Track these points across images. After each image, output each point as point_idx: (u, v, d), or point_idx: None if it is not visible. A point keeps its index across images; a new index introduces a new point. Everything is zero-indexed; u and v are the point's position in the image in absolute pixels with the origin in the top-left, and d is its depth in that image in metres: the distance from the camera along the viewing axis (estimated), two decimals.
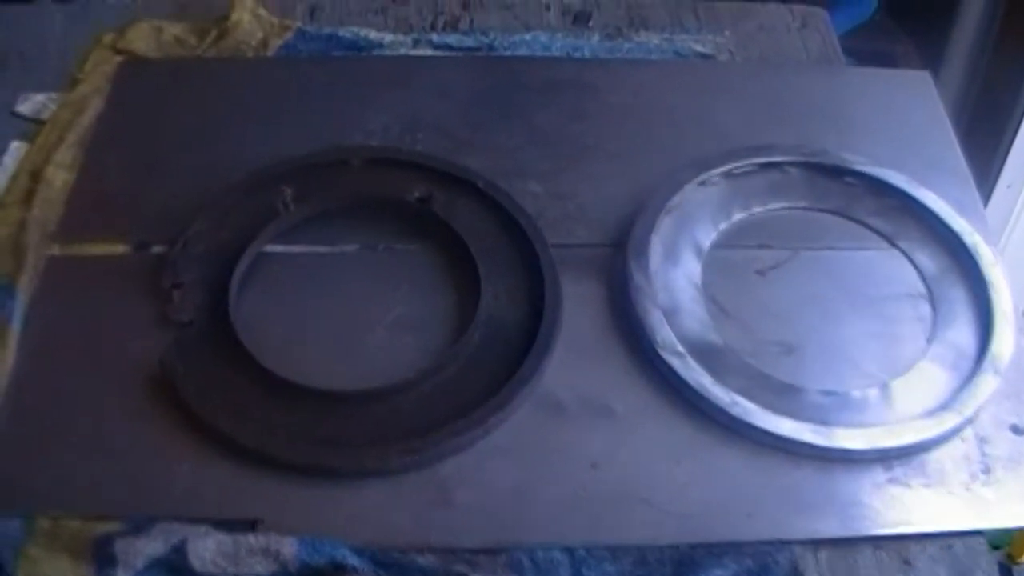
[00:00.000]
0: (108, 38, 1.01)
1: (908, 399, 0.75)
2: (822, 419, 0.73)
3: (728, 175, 0.87)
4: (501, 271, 0.81)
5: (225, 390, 0.75)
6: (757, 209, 0.86)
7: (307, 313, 0.80)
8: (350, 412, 0.74)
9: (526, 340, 0.77)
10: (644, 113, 0.94)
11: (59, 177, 0.89)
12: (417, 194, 0.86)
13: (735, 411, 0.72)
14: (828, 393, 0.75)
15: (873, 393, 0.75)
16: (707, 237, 0.84)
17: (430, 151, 0.89)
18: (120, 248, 0.84)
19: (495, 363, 0.76)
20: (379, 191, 0.86)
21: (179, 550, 0.67)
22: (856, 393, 0.75)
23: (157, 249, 0.84)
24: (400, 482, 0.71)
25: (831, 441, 0.71)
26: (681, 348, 0.75)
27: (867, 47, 1.73)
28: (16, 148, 0.92)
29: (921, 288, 0.82)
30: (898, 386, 0.76)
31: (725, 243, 0.84)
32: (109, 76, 0.97)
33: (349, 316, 0.80)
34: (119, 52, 1.00)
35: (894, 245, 0.85)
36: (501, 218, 0.84)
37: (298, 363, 0.76)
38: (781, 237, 0.85)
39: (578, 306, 0.80)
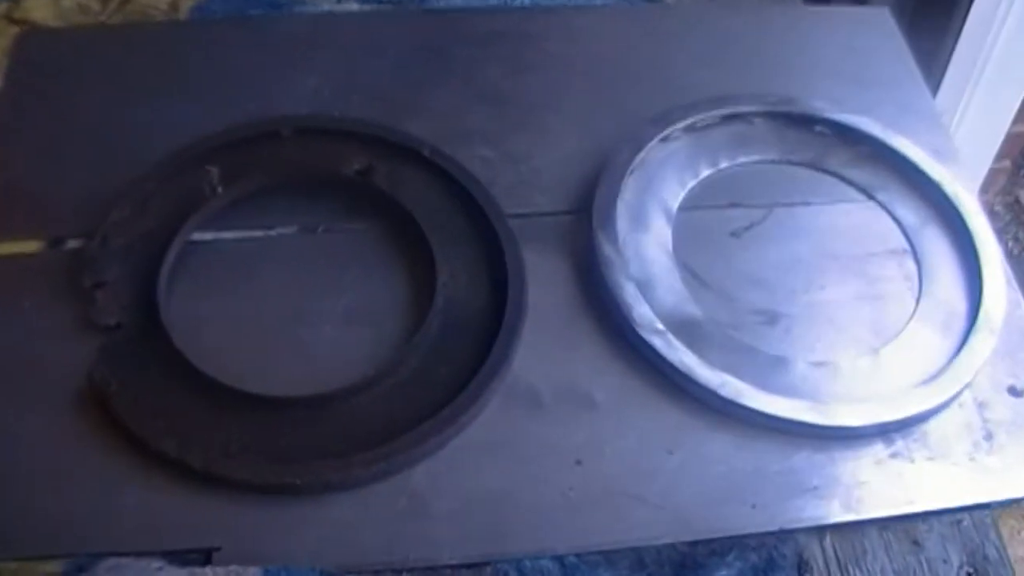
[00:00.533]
0: (3, 7, 0.92)
1: (901, 366, 0.71)
2: (814, 393, 0.68)
3: (690, 129, 0.81)
4: (456, 248, 0.75)
5: (164, 403, 0.68)
6: (725, 164, 0.80)
7: (247, 308, 0.73)
8: (306, 419, 0.67)
9: (491, 324, 0.71)
10: (592, 64, 0.88)
11: None
12: (357, 166, 0.79)
13: (725, 392, 0.67)
14: (818, 364, 0.70)
15: (864, 362, 0.71)
16: (675, 198, 0.78)
17: (367, 116, 0.81)
18: (32, 246, 0.76)
19: (459, 353, 0.70)
20: (314, 165, 0.79)
21: None
22: (846, 363, 0.70)
23: (73, 244, 0.76)
24: (368, 494, 0.65)
25: (829, 419, 0.67)
26: (660, 325, 0.69)
27: None
28: None
29: (903, 243, 0.77)
30: (889, 353, 0.71)
31: (694, 204, 0.78)
32: (6, 50, 0.87)
33: (293, 309, 0.73)
34: (15, 22, 0.90)
35: (871, 197, 0.80)
36: (451, 189, 0.77)
37: (242, 366, 0.69)
38: (753, 194, 0.79)
39: (544, 282, 0.74)
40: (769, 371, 0.69)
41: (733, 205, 0.79)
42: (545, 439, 0.67)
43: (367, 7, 0.92)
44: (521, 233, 0.75)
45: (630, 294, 0.71)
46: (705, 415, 0.68)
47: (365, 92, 0.84)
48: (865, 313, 0.73)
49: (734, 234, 0.77)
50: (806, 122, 0.82)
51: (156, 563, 0.61)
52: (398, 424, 0.66)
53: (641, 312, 0.70)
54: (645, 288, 0.72)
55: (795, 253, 0.76)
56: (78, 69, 0.86)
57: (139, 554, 0.61)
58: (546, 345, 0.71)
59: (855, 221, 0.79)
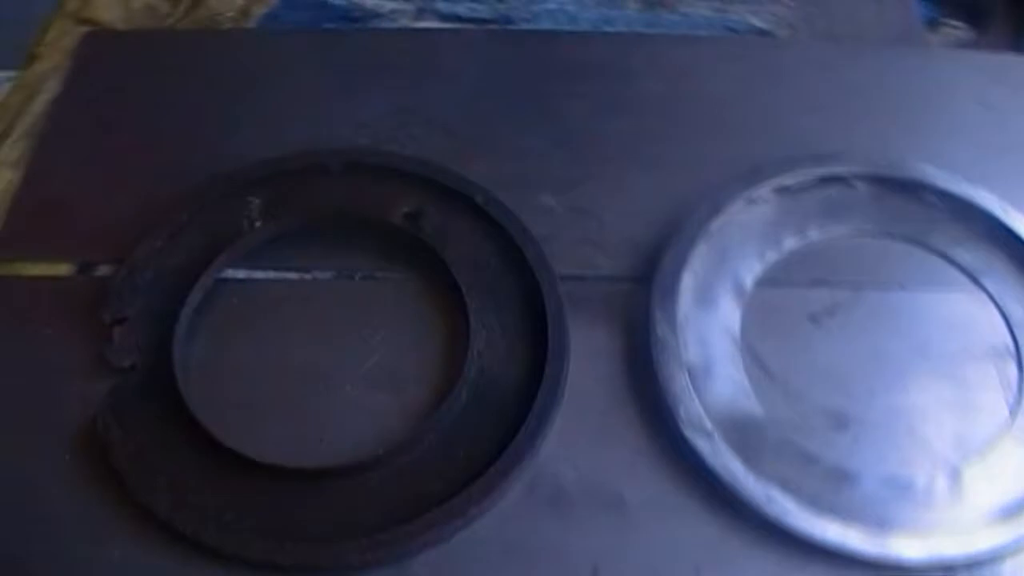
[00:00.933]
0: (72, 4, 0.88)
1: (982, 490, 0.62)
2: (878, 515, 0.60)
3: (781, 191, 0.72)
4: (498, 314, 0.68)
5: (165, 458, 0.63)
6: (813, 234, 0.71)
7: (267, 360, 0.68)
8: (307, 492, 0.62)
9: (523, 405, 0.64)
10: (686, 106, 0.79)
11: (2, 178, 0.77)
12: (406, 209, 0.72)
13: (771, 510, 0.59)
14: (887, 481, 0.61)
15: (941, 482, 0.61)
16: (751, 272, 0.69)
17: (426, 151, 0.75)
18: (63, 268, 0.73)
19: (483, 434, 0.64)
20: (361, 205, 0.73)
21: None
22: (921, 481, 0.61)
23: (104, 270, 0.72)
24: None
25: (884, 549, 0.58)
26: (709, 425, 0.62)
27: None
28: None
29: (1008, 341, 0.67)
30: (972, 473, 0.62)
31: (772, 279, 0.70)
32: (69, 51, 0.84)
33: (316, 365, 0.67)
34: (83, 21, 0.87)
35: (977, 284, 0.70)
36: (502, 244, 0.70)
37: (251, 426, 0.64)
38: (841, 271, 0.70)
39: (589, 358, 0.66)
40: (829, 486, 0.61)
41: (817, 283, 0.70)
42: (562, 542, 0.60)
43: (447, 24, 0.85)
44: (574, 299, 0.68)
45: (680, 385, 0.63)
46: (745, 531, 0.60)
47: (430, 124, 0.78)
48: (950, 424, 0.64)
49: (813, 319, 0.68)
50: (914, 189, 0.72)
51: None
52: (405, 508, 0.61)
53: (689, 408, 0.62)
54: (700, 377, 0.64)
55: (880, 346, 0.67)
56: (136, 76, 0.82)
57: None
58: (580, 433, 0.64)
59: (954, 312, 0.69)
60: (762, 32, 0.86)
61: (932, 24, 1.57)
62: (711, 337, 0.66)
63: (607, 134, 0.77)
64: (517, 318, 0.68)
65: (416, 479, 0.62)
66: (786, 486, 0.60)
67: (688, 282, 0.68)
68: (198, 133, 0.78)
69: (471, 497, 0.60)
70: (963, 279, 0.71)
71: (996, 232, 0.71)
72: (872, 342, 0.67)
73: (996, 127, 0.80)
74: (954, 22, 1.58)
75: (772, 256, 0.70)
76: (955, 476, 0.62)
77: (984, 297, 0.70)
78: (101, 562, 0.60)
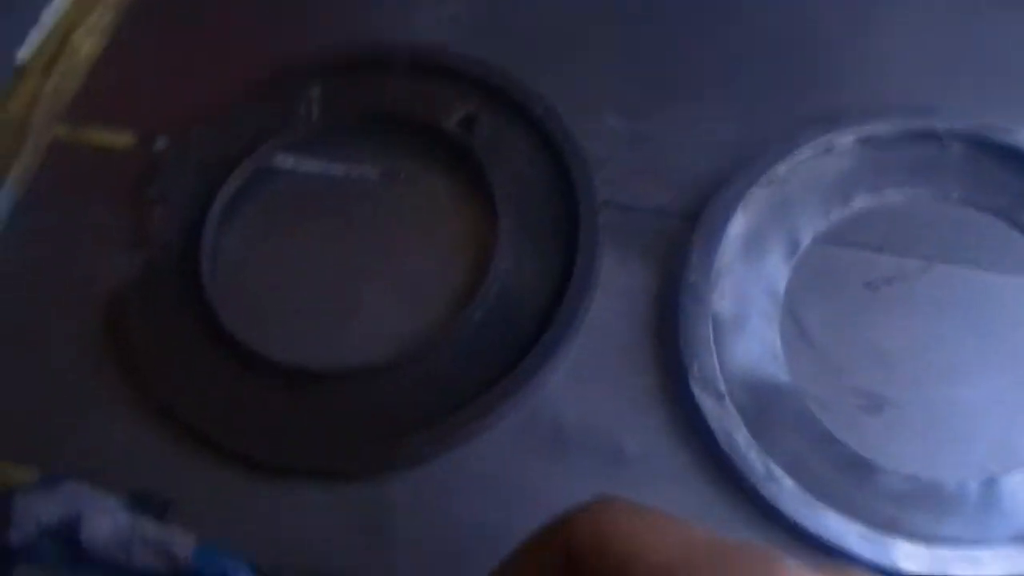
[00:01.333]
0: None
1: (1017, 507, 0.55)
2: (890, 516, 0.54)
3: (864, 142, 0.66)
4: (531, 234, 0.64)
5: (176, 344, 0.63)
6: (891, 193, 0.65)
7: (297, 254, 0.66)
8: (306, 393, 0.61)
9: (538, 333, 0.60)
10: (788, 43, 0.73)
11: (87, 43, 0.77)
12: (462, 113, 0.69)
13: (767, 488, 0.54)
14: (910, 478, 0.56)
15: (972, 490, 0.55)
16: (812, 226, 0.64)
17: (498, 54, 0.71)
18: (125, 139, 0.72)
19: (492, 358, 0.61)
20: (419, 105, 0.70)
21: (72, 525, 0.56)
22: (950, 485, 0.55)
23: (162, 144, 0.71)
24: (337, 491, 0.58)
25: (884, 556, 0.53)
26: (723, 386, 0.57)
27: None
28: (59, 2, 0.79)
29: None
30: (1010, 483, 0.56)
31: (834, 238, 0.64)
32: None
33: (343, 266, 0.65)
34: None
35: None
36: (551, 162, 0.67)
37: (269, 322, 0.63)
38: (912, 238, 0.64)
39: (617, 297, 0.62)
40: (844, 474, 0.56)
41: (882, 248, 0.63)
42: (545, 484, 0.57)
43: None
44: (615, 229, 0.64)
45: (700, 337, 0.58)
46: (741, 508, 0.56)
47: (510, 31, 0.74)
48: (999, 427, 0.57)
49: (870, 285, 0.62)
50: (1014, 157, 0.65)
51: (110, 501, 0.56)
52: (396, 424, 0.59)
53: (704, 364, 0.58)
54: (728, 332, 0.60)
55: (939, 327, 0.61)
56: None
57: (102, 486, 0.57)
58: (590, 373, 0.60)
59: None
60: None
61: None
62: (751, 291, 0.61)
63: (693, 57, 0.72)
64: (550, 243, 0.64)
65: (420, 393, 0.60)
66: (794, 465, 0.55)
67: (738, 227, 0.63)
68: (281, 16, 0.76)
69: (459, 422, 0.58)
70: None
71: None
72: (930, 321, 0.61)
73: None
74: None
75: (839, 213, 0.64)
76: (990, 486, 0.55)
77: None
78: (103, 433, 0.60)
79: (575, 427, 0.58)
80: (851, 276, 0.63)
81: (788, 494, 0.54)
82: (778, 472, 0.54)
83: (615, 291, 0.62)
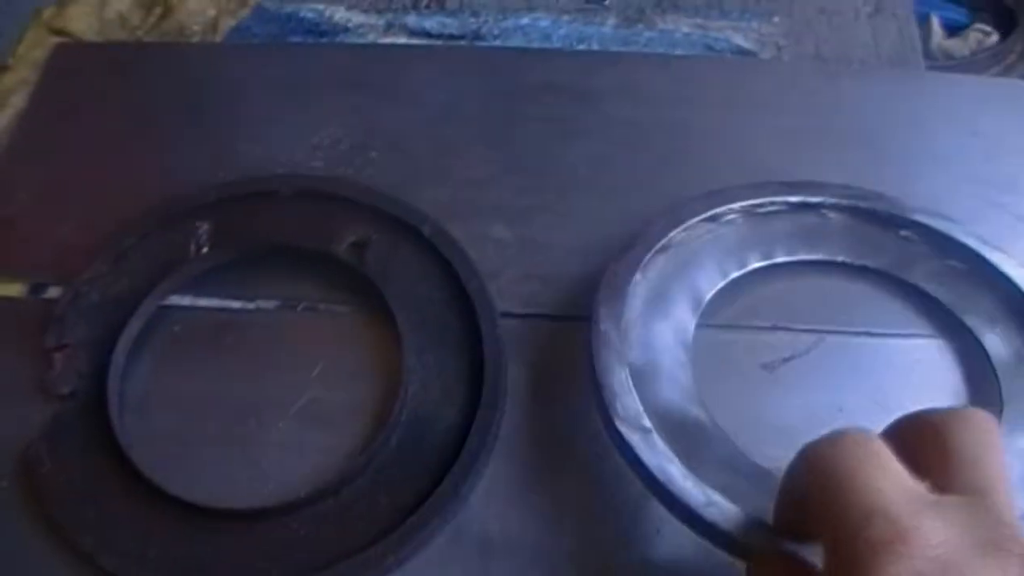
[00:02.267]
0: (48, 12, 0.87)
1: None
2: None
3: (748, 212, 0.69)
4: (436, 352, 0.66)
5: (93, 493, 0.62)
6: (781, 258, 0.68)
7: (204, 393, 0.66)
8: (227, 533, 0.60)
9: (455, 450, 0.62)
10: (657, 131, 0.76)
11: None
12: (352, 238, 0.70)
13: (708, 512, 0.55)
14: None
15: None
16: (711, 284, 0.66)
17: (381, 176, 0.73)
18: (15, 289, 0.72)
19: (412, 481, 0.61)
20: (308, 234, 0.71)
21: None
22: None
23: (54, 292, 0.71)
24: None
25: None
26: (647, 422, 0.58)
27: None
28: None
29: (989, 390, 0.63)
30: None
31: (728, 320, 0.67)
32: (40, 63, 0.83)
33: (251, 399, 0.66)
34: (56, 32, 0.85)
35: (954, 327, 0.66)
36: (445, 278, 0.68)
37: (183, 461, 0.63)
38: (804, 311, 0.67)
39: (528, 404, 0.64)
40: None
41: (775, 327, 0.66)
42: None
43: (415, 40, 0.82)
44: (517, 338, 0.66)
45: (618, 380, 0.60)
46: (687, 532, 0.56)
47: (387, 148, 0.75)
48: None
49: (767, 367, 0.65)
50: (890, 223, 0.69)
51: None
52: (324, 555, 0.59)
53: (626, 403, 0.59)
54: (646, 378, 0.61)
55: (838, 398, 0.64)
56: (104, 91, 0.81)
57: None
58: (511, 481, 0.62)
59: (925, 357, 0.65)
60: (744, 52, 0.82)
61: (961, 28, 1.54)
62: (661, 342, 0.63)
63: (567, 161, 0.74)
64: (455, 358, 0.65)
65: (340, 525, 0.60)
66: (731, 492, 0.56)
67: (640, 289, 0.65)
68: (157, 151, 0.77)
69: (388, 547, 0.58)
70: (938, 316, 0.67)
71: (979, 270, 0.67)
72: (831, 393, 0.64)
73: (986, 158, 0.76)
74: (983, 26, 1.54)
75: (734, 272, 0.67)
76: None
77: (960, 340, 0.66)
78: None
79: (501, 536, 0.59)
80: (747, 359, 0.65)
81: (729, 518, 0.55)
82: (716, 497, 0.55)
83: (526, 398, 0.64)
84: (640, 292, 0.65)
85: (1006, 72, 1.50)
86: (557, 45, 0.82)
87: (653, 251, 0.66)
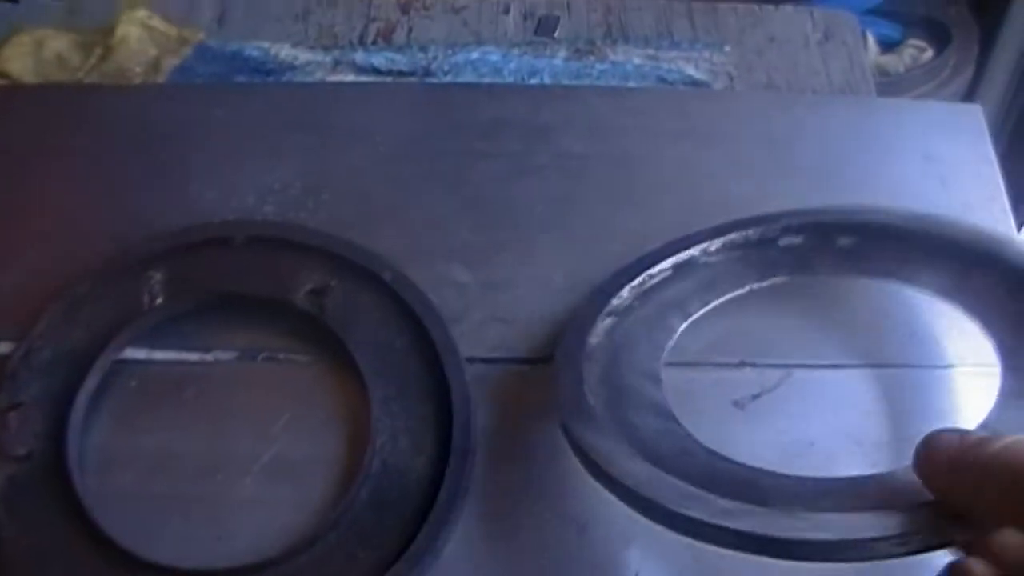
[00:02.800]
0: None
1: None
2: None
3: (704, 254, 0.69)
4: (403, 401, 0.65)
5: (55, 556, 0.60)
6: (738, 298, 0.68)
7: (165, 449, 0.65)
8: None
9: (427, 501, 0.61)
10: (611, 167, 0.76)
11: None
12: (311, 286, 0.69)
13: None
14: None
15: None
16: (681, 315, 0.66)
17: (336, 220, 0.72)
18: None
19: (385, 535, 0.61)
20: (264, 282, 0.70)
21: None
22: None
23: (5, 347, 0.69)
24: None
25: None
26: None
27: (916, 9, 1.54)
28: None
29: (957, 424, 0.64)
30: None
31: (696, 358, 0.66)
32: None
33: (214, 455, 0.64)
34: None
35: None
36: (408, 325, 0.68)
37: (146, 521, 0.62)
38: (769, 348, 0.67)
39: (498, 450, 0.63)
40: None
41: (742, 364, 0.66)
42: None
43: (364, 78, 0.81)
44: (484, 382, 0.65)
45: (584, 406, 0.59)
46: None
47: (339, 190, 0.75)
48: None
49: (738, 404, 0.65)
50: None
51: None
52: None
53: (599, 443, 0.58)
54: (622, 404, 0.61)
55: (807, 432, 0.64)
56: (42, 136, 0.79)
57: None
58: (486, 532, 0.61)
59: (893, 387, 0.66)
60: (696, 83, 0.82)
61: (895, 44, 1.56)
62: (632, 375, 0.63)
63: (520, 199, 0.74)
64: (423, 406, 0.65)
65: None
66: None
67: (605, 329, 0.65)
68: (101, 198, 0.76)
69: None
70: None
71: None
72: (800, 427, 0.64)
73: (941, 184, 0.77)
74: (917, 41, 1.56)
75: (699, 310, 0.67)
76: None
77: (924, 372, 0.67)
78: None
79: None
80: (717, 396, 0.65)
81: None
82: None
83: (496, 445, 0.63)
84: (605, 334, 0.65)
85: (941, 87, 1.52)
86: (508, 79, 0.82)
87: (619, 293, 0.66)
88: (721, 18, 0.88)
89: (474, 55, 0.82)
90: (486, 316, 0.68)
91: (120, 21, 0.84)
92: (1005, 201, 0.76)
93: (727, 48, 0.85)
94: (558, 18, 0.86)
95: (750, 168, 0.75)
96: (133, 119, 0.80)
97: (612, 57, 0.83)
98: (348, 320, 0.68)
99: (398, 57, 0.82)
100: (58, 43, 0.85)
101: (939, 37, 1.58)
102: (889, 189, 0.76)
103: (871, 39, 1.51)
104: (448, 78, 0.82)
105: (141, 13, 0.85)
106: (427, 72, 0.82)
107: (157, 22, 0.85)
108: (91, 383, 0.66)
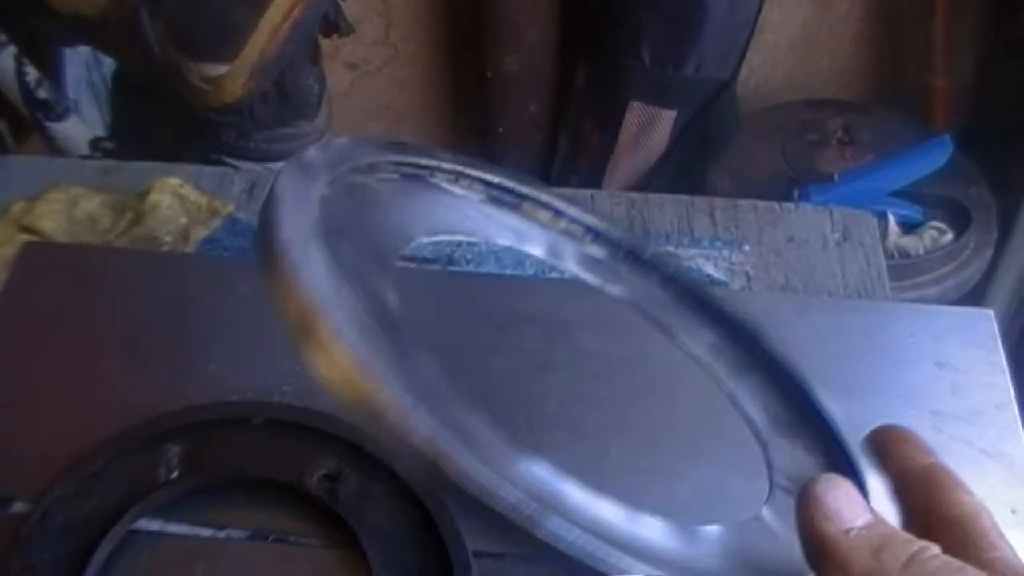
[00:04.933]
0: (18, 207, 0.90)
1: None
2: None
3: None
4: None
5: None
6: None
7: None
8: None
9: None
10: (626, 364, 0.80)
11: None
12: (325, 470, 0.73)
13: None
14: None
15: None
16: None
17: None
18: None
19: None
20: (279, 464, 0.74)
21: None
22: None
23: (20, 507, 0.73)
24: None
25: None
26: None
27: (937, 191, 1.60)
28: None
29: None
30: None
31: None
32: (7, 262, 0.86)
33: None
34: (25, 229, 0.89)
35: None
36: (418, 516, 0.71)
37: None
38: None
39: None
40: None
41: None
42: None
43: None
44: None
45: None
46: None
47: None
48: None
49: None
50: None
51: None
52: None
53: None
54: None
55: None
56: (73, 297, 0.84)
57: None
58: None
59: None
60: (715, 281, 0.87)
61: (917, 226, 1.61)
62: None
63: (536, 396, 0.78)
64: None
65: None
66: None
67: None
68: (122, 366, 0.80)
69: None
70: None
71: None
72: None
73: (952, 391, 0.81)
74: (938, 224, 1.62)
75: None
76: None
77: None
78: None
79: None
80: None
81: None
82: None
83: None
84: None
85: (961, 268, 1.57)
86: (530, 271, 0.86)
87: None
88: (741, 215, 0.93)
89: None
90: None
91: (153, 188, 0.90)
92: (1015, 408, 0.80)
93: (746, 247, 0.89)
94: None
95: None
96: (159, 287, 0.84)
97: None
98: (359, 508, 0.71)
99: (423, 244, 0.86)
100: (90, 204, 0.90)
101: (959, 219, 1.63)
102: (899, 394, 0.80)
103: (892, 220, 1.57)
104: (471, 267, 0.86)
105: (174, 181, 0.90)
106: (451, 260, 0.87)
107: (188, 191, 0.90)
108: (104, 551, 0.70)
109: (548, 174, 1.95)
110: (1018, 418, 0.80)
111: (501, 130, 1.94)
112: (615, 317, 0.81)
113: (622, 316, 0.81)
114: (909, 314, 0.88)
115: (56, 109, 1.57)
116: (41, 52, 1.55)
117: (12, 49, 1.50)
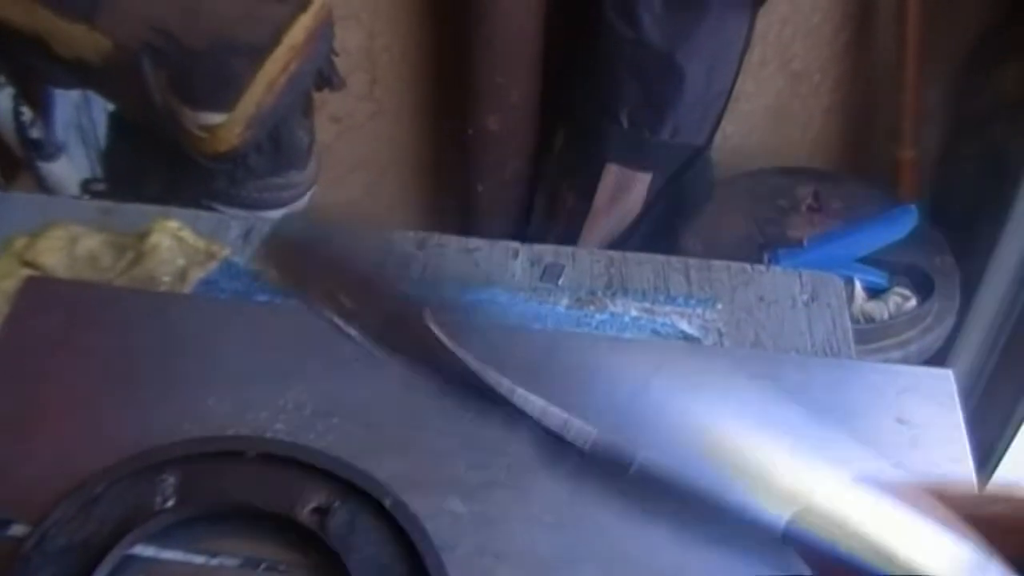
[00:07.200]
0: (20, 243, 0.94)
1: None
2: None
3: None
4: None
5: None
6: None
7: None
8: None
9: None
10: (608, 412, 0.84)
11: None
12: (315, 504, 0.77)
13: None
14: None
15: None
16: None
17: (342, 444, 0.81)
18: None
19: None
20: (271, 496, 0.77)
21: None
22: None
23: (19, 529, 0.76)
24: None
25: None
26: None
27: (903, 259, 1.66)
28: None
29: None
30: None
31: None
32: (8, 295, 0.89)
33: None
34: (26, 264, 0.92)
35: None
36: (405, 550, 0.75)
37: None
38: None
39: None
40: None
41: None
42: None
43: None
44: None
45: None
46: None
47: (349, 415, 0.83)
48: None
49: None
50: None
51: None
52: None
53: None
54: None
55: None
56: (73, 331, 0.88)
57: None
58: None
59: None
60: (688, 337, 0.92)
61: (882, 291, 1.67)
62: None
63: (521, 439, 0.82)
64: None
65: None
66: None
67: None
68: (121, 400, 0.84)
69: None
70: None
71: None
72: None
73: (912, 445, 0.85)
74: (902, 290, 1.68)
75: None
76: None
77: None
78: None
79: None
80: None
81: None
82: None
83: None
84: None
85: (924, 333, 1.63)
86: (514, 321, 0.91)
87: None
88: (715, 275, 0.98)
89: (483, 296, 0.92)
90: (478, 548, 0.76)
91: (153, 229, 0.94)
92: (970, 463, 0.85)
93: (719, 306, 0.94)
94: (563, 267, 0.96)
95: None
96: (157, 325, 0.88)
97: (611, 308, 0.92)
98: (348, 540, 0.75)
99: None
100: (91, 242, 0.94)
101: (923, 286, 1.69)
102: (862, 450, 0.84)
103: (859, 286, 1.63)
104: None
105: (173, 224, 0.94)
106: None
107: (187, 234, 0.95)
108: (100, 575, 0.73)
109: (524, 233, 1.99)
110: (972, 471, 0.85)
111: (480, 188, 1.99)
112: (595, 367, 0.86)
113: (611, 363, 0.85)
114: (872, 372, 0.92)
115: (47, 149, 1.61)
116: (33, 92, 1.59)
117: (11, 90, 1.55)
